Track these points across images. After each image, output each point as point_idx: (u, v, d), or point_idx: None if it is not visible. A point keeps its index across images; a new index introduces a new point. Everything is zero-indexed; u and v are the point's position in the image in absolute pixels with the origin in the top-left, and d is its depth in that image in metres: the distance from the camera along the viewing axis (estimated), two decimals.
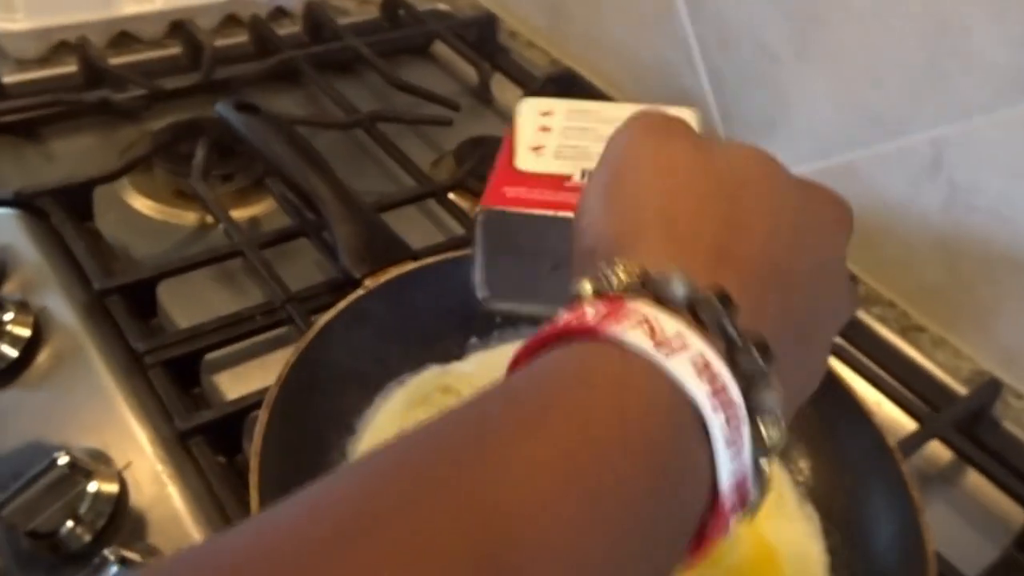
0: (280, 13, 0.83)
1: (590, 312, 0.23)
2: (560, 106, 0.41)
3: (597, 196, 0.29)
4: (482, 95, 0.78)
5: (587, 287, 0.25)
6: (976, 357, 0.62)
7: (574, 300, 0.25)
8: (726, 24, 0.71)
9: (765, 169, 0.28)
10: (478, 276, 0.38)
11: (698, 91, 0.75)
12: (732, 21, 0.71)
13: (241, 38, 0.78)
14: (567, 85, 0.77)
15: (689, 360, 0.22)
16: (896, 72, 0.61)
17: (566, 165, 0.37)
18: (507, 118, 0.80)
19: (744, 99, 0.72)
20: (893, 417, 0.54)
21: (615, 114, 0.35)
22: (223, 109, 0.56)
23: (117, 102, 0.67)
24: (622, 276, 0.24)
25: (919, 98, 0.60)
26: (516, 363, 0.26)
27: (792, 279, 0.27)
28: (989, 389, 0.56)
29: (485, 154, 0.68)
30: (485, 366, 0.50)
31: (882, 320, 0.63)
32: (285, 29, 0.80)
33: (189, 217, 0.61)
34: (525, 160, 0.38)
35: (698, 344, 0.22)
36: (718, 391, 0.22)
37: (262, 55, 0.76)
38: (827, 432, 0.46)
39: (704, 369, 0.22)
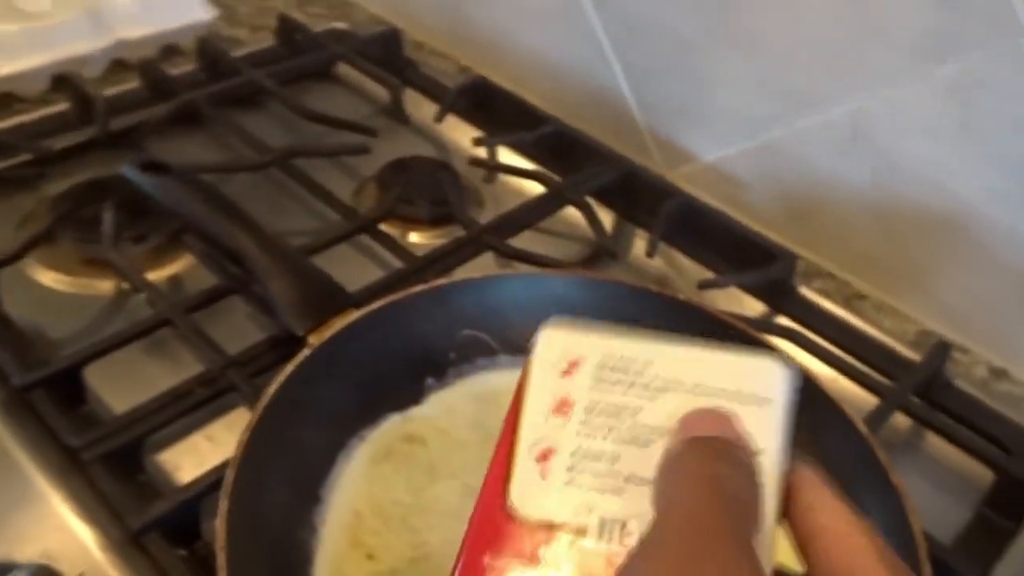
0: (171, 52, 0.79)
1: None
2: (593, 348, 0.29)
3: None
4: (396, 114, 0.75)
5: None
6: (919, 318, 0.64)
7: None
8: (634, 15, 0.71)
9: None
10: None
11: (614, 85, 0.74)
12: (640, 11, 0.70)
13: (132, 84, 0.74)
14: (481, 94, 0.75)
15: None
16: (811, 48, 0.61)
17: (580, 506, 0.26)
18: (424, 135, 0.78)
19: (662, 88, 0.71)
20: (850, 390, 0.54)
21: (669, 373, 0.26)
22: (130, 173, 0.53)
23: (4, 171, 0.62)
24: None
25: (836, 72, 0.61)
26: None
27: None
28: (939, 350, 0.56)
29: (409, 178, 0.66)
30: (446, 407, 0.48)
31: (824, 293, 0.63)
32: (178, 68, 0.76)
33: (104, 286, 0.57)
34: (522, 487, 0.27)
35: None
36: None
37: (158, 99, 0.72)
38: (802, 428, 0.46)
39: None
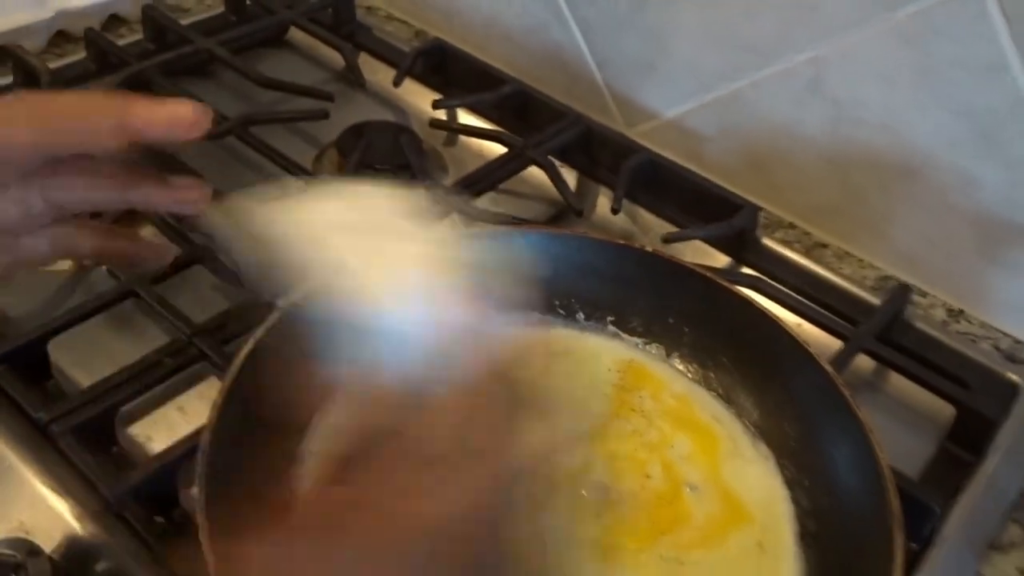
0: (116, 22, 0.77)
1: None
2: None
3: None
4: (352, 79, 0.74)
5: None
6: (879, 264, 0.65)
7: None
8: None
9: None
10: None
11: (571, 43, 0.74)
12: None
13: (78, 55, 0.72)
14: (439, 57, 0.75)
15: None
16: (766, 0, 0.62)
17: None
18: (382, 100, 0.77)
19: (618, 45, 0.71)
20: (814, 335, 0.55)
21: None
22: None
23: None
24: None
25: (792, 22, 0.61)
26: None
27: None
28: (899, 294, 0.58)
29: (370, 142, 0.65)
30: None
31: (786, 243, 0.64)
32: (125, 39, 0.74)
33: (63, 263, 0.56)
34: None
35: None
36: None
37: (105, 71, 0.70)
38: (769, 372, 0.47)
39: None
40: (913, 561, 0.45)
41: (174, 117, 0.40)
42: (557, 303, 0.51)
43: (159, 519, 0.41)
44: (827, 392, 0.43)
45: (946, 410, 0.53)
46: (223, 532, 0.36)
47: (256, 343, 0.42)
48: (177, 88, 0.68)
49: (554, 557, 0.40)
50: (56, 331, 0.48)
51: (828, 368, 0.44)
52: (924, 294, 0.63)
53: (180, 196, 0.44)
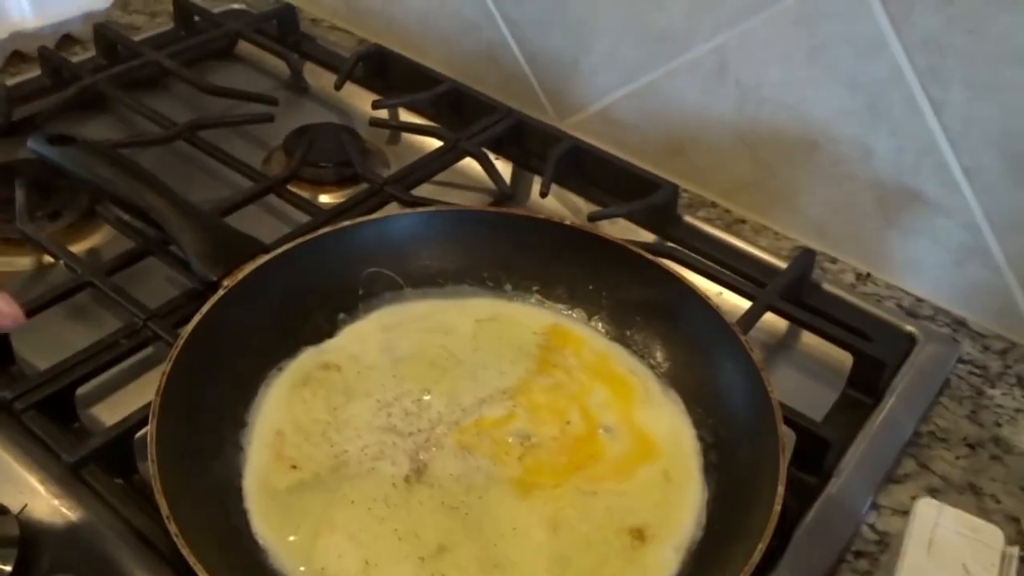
0: (69, 41, 0.81)
1: None
2: None
3: None
4: (296, 85, 0.78)
5: None
6: (792, 235, 0.70)
7: None
8: None
9: None
10: None
11: (502, 42, 0.78)
12: None
13: (32, 73, 0.75)
14: (378, 61, 0.79)
15: None
16: None
17: None
18: (326, 104, 0.82)
19: (545, 42, 0.76)
20: (733, 303, 0.60)
21: None
22: (36, 144, 0.55)
23: None
24: None
25: (698, 11, 0.66)
26: None
27: None
28: (804, 258, 0.62)
29: (313, 141, 0.69)
30: (358, 337, 0.52)
31: (708, 221, 0.69)
32: (78, 56, 0.78)
33: (23, 262, 0.60)
34: None
35: None
36: None
37: (60, 86, 0.73)
38: (675, 323, 0.51)
39: None
40: (814, 491, 0.49)
41: None
42: (486, 275, 0.55)
43: (119, 481, 0.45)
44: (725, 337, 0.48)
45: (849, 364, 0.58)
46: (178, 488, 0.39)
47: (202, 318, 0.46)
48: (129, 99, 0.71)
49: (479, 494, 0.44)
50: None
51: (712, 302, 0.49)
52: (835, 260, 0.68)
53: None
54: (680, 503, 0.45)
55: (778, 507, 0.39)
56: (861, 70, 0.61)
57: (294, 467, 0.44)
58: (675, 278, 0.51)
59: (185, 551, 0.36)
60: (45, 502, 0.43)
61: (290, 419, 0.47)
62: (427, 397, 0.48)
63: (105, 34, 0.77)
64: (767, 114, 0.66)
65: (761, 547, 0.38)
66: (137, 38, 0.80)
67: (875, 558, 0.48)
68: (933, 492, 0.51)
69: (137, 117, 0.72)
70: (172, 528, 0.37)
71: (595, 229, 0.55)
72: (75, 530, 0.42)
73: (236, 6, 0.87)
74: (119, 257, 0.57)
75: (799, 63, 0.63)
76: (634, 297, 0.53)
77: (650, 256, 0.53)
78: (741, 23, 0.65)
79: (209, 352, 0.46)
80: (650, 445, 0.47)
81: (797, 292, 0.62)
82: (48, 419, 0.47)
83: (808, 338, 0.61)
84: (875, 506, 0.50)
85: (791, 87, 0.64)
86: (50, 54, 0.75)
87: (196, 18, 0.83)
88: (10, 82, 0.73)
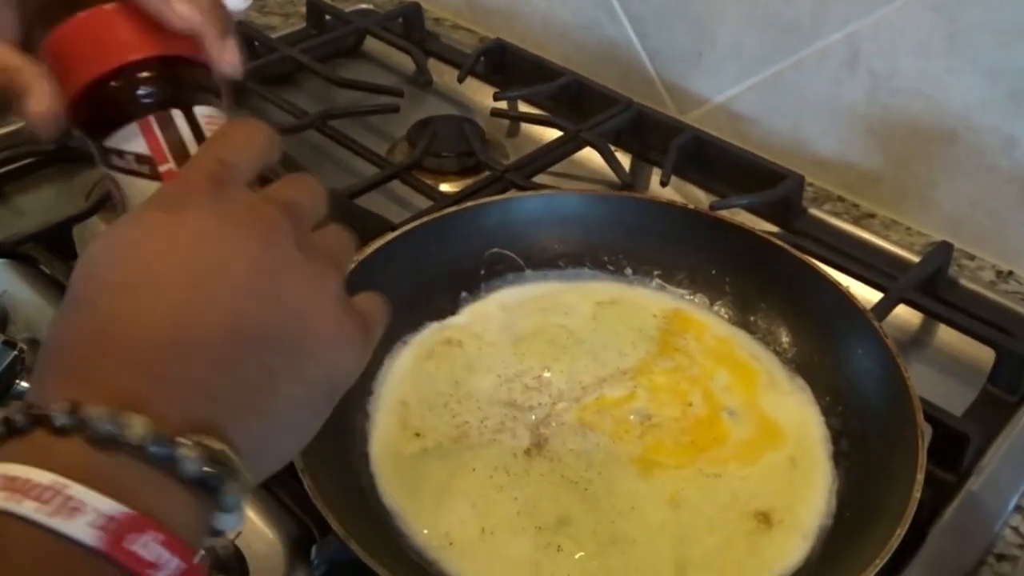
0: None
1: None
2: None
3: None
4: (420, 80, 0.80)
5: None
6: (926, 231, 0.67)
7: None
8: None
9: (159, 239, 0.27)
10: None
11: (624, 38, 0.78)
12: None
13: None
14: (500, 56, 0.80)
15: None
16: None
17: None
18: (449, 98, 0.83)
19: (667, 37, 0.76)
20: (862, 296, 0.58)
21: None
22: None
23: (76, 146, 0.69)
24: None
25: (827, 1, 0.65)
26: None
27: (212, 349, 0.26)
28: (941, 251, 0.60)
29: (436, 131, 0.71)
30: (479, 315, 0.53)
31: (835, 215, 0.67)
32: None
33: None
34: None
35: None
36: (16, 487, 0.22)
37: None
38: (802, 309, 0.50)
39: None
40: (951, 488, 0.47)
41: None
42: (606, 259, 0.55)
43: None
44: (856, 324, 0.47)
45: (989, 359, 0.55)
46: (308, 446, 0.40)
47: None
48: (264, 92, 0.75)
49: (599, 470, 0.44)
50: None
51: (856, 299, 0.47)
52: (972, 257, 0.65)
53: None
54: (808, 490, 0.43)
55: (917, 493, 0.38)
56: (1003, 57, 0.58)
57: (418, 435, 0.45)
58: (804, 263, 0.50)
59: (318, 502, 0.37)
60: None
61: (414, 390, 0.48)
62: (547, 374, 0.49)
63: (243, 30, 0.81)
64: (901, 105, 0.64)
65: (900, 532, 0.36)
66: (274, 35, 0.84)
67: (1019, 562, 0.45)
68: None
69: (272, 108, 0.75)
70: (306, 481, 0.38)
71: (719, 214, 0.54)
72: None
73: (364, 5, 0.90)
74: None
75: (936, 51, 0.61)
76: (759, 283, 0.52)
77: (778, 241, 0.52)
78: (875, 11, 0.63)
79: None
80: (776, 431, 0.46)
81: (932, 287, 0.59)
82: None
83: (943, 334, 0.58)
84: (1019, 508, 0.48)
85: (927, 76, 0.62)
86: None
87: (327, 17, 0.86)
88: None
